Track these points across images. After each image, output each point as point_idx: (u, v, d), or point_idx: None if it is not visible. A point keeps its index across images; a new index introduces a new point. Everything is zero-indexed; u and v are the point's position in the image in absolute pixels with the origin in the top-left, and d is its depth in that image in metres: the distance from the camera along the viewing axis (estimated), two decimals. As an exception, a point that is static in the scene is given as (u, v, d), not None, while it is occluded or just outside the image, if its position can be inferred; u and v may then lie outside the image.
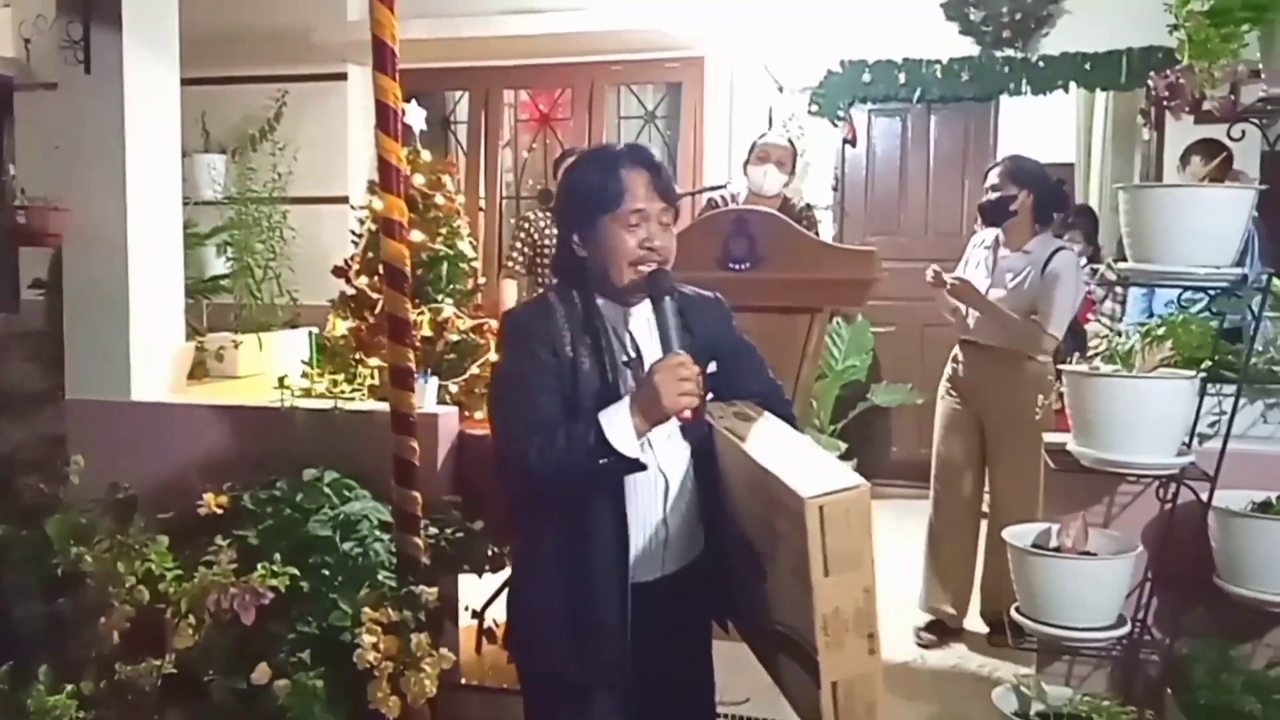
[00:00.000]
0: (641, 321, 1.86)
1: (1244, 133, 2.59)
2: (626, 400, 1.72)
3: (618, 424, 1.68)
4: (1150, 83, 4.62)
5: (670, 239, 1.83)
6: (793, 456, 1.64)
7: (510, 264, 4.76)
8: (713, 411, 1.79)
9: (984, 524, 3.89)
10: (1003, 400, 3.69)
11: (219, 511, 2.78)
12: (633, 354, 1.83)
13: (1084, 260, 4.93)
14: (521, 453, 1.73)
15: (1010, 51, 5.37)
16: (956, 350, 3.88)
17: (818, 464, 1.63)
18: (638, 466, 1.72)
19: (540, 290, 4.76)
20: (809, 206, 4.46)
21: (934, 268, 3.72)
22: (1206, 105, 3.02)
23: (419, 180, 3.67)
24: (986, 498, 3.90)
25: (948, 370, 3.92)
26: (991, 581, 3.76)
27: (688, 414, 1.69)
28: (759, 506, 1.68)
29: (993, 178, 3.73)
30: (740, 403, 1.86)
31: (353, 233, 3.85)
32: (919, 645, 3.77)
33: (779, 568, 1.65)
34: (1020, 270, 3.66)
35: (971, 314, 3.77)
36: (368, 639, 2.46)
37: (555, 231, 4.62)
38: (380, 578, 2.69)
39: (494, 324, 3.69)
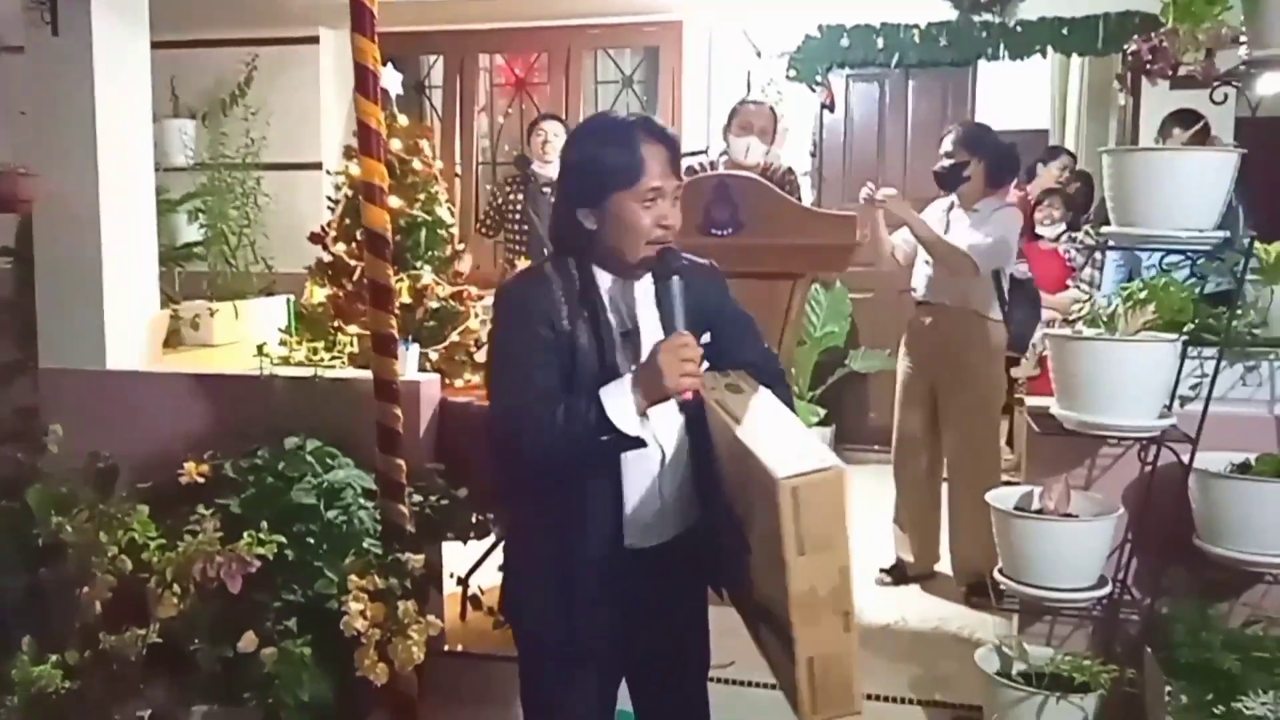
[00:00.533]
0: (639, 293, 1.84)
1: (1226, 96, 2.60)
2: (628, 378, 1.70)
3: (619, 402, 1.67)
4: (1132, 46, 4.65)
5: (679, 213, 1.80)
6: (773, 434, 1.64)
7: (478, 225, 4.86)
8: (705, 382, 1.78)
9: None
10: (954, 362, 3.77)
11: (200, 480, 2.75)
12: (630, 326, 1.81)
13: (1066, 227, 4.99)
14: (519, 428, 1.72)
15: (988, 16, 5.34)
16: (913, 314, 3.97)
17: (797, 443, 1.62)
18: (638, 443, 1.71)
19: (510, 253, 4.78)
20: (790, 170, 4.42)
21: (868, 185, 3.79)
22: (1184, 70, 3.03)
23: (396, 145, 3.61)
24: None
25: (905, 335, 4.01)
26: (961, 547, 3.84)
27: (689, 395, 1.69)
28: (741, 481, 1.69)
29: (946, 144, 3.83)
30: (733, 373, 1.84)
31: (329, 199, 3.80)
32: (877, 584, 3.94)
33: (758, 543, 1.66)
34: (969, 226, 3.75)
35: (920, 273, 3.88)
36: (354, 606, 2.45)
37: (518, 195, 4.66)
38: (365, 545, 2.68)
39: (473, 290, 3.67)
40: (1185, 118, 4.42)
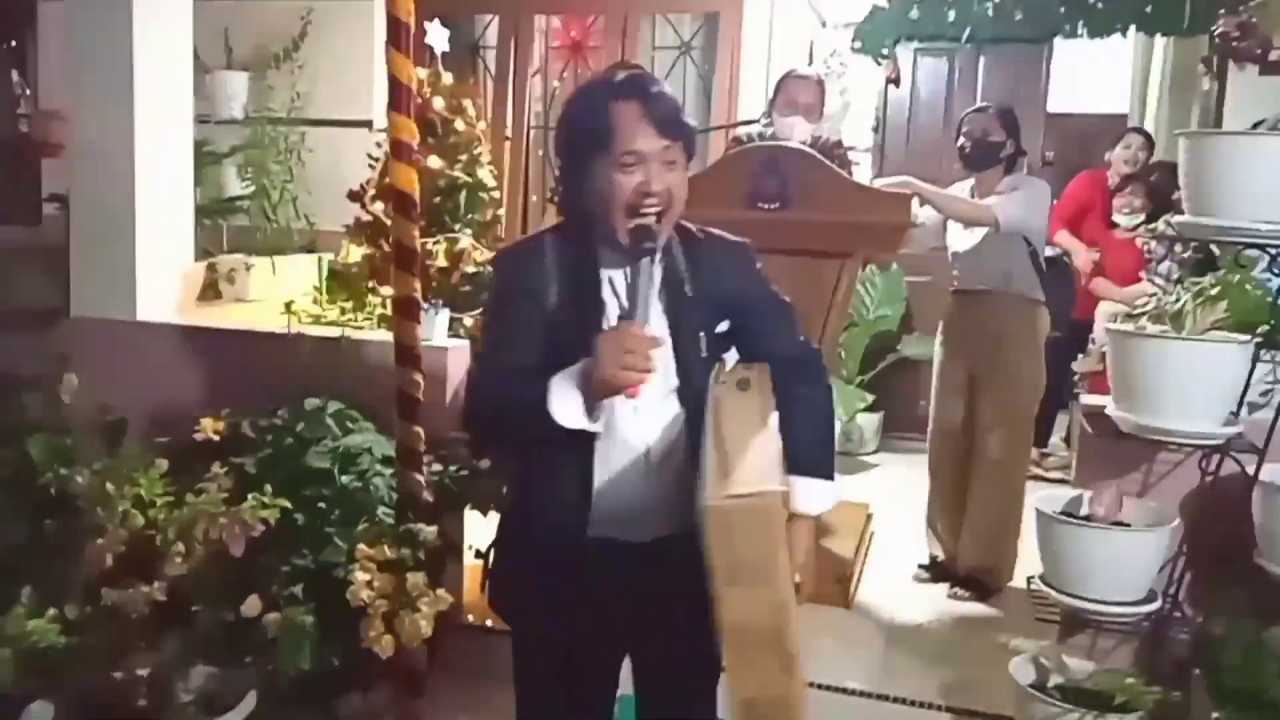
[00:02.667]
0: (646, 274, 1.67)
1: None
2: (579, 366, 1.56)
3: (563, 391, 1.55)
4: (1219, 26, 4.38)
5: (677, 180, 1.63)
6: (739, 447, 1.48)
7: (550, 193, 4.56)
8: (718, 376, 1.66)
9: None
10: (995, 348, 3.63)
11: (216, 438, 2.69)
12: (628, 309, 1.65)
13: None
14: (477, 398, 1.68)
15: (1068, -10, 5.09)
16: (951, 302, 3.85)
17: (753, 461, 1.46)
18: (583, 435, 1.58)
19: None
20: (840, 144, 4.23)
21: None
22: (1276, 55, 2.80)
23: (439, 104, 3.53)
24: None
25: (942, 323, 3.90)
26: (968, 536, 3.72)
27: (633, 391, 1.53)
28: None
29: (982, 121, 3.68)
30: (754, 369, 1.69)
31: (370, 156, 3.72)
32: (915, 580, 3.85)
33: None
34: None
35: (958, 261, 3.77)
36: (361, 576, 2.38)
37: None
38: (379, 514, 2.61)
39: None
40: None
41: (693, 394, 1.66)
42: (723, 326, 1.70)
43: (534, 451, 1.69)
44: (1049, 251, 3.88)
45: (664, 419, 1.67)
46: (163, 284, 3.37)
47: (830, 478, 1.72)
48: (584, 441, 1.62)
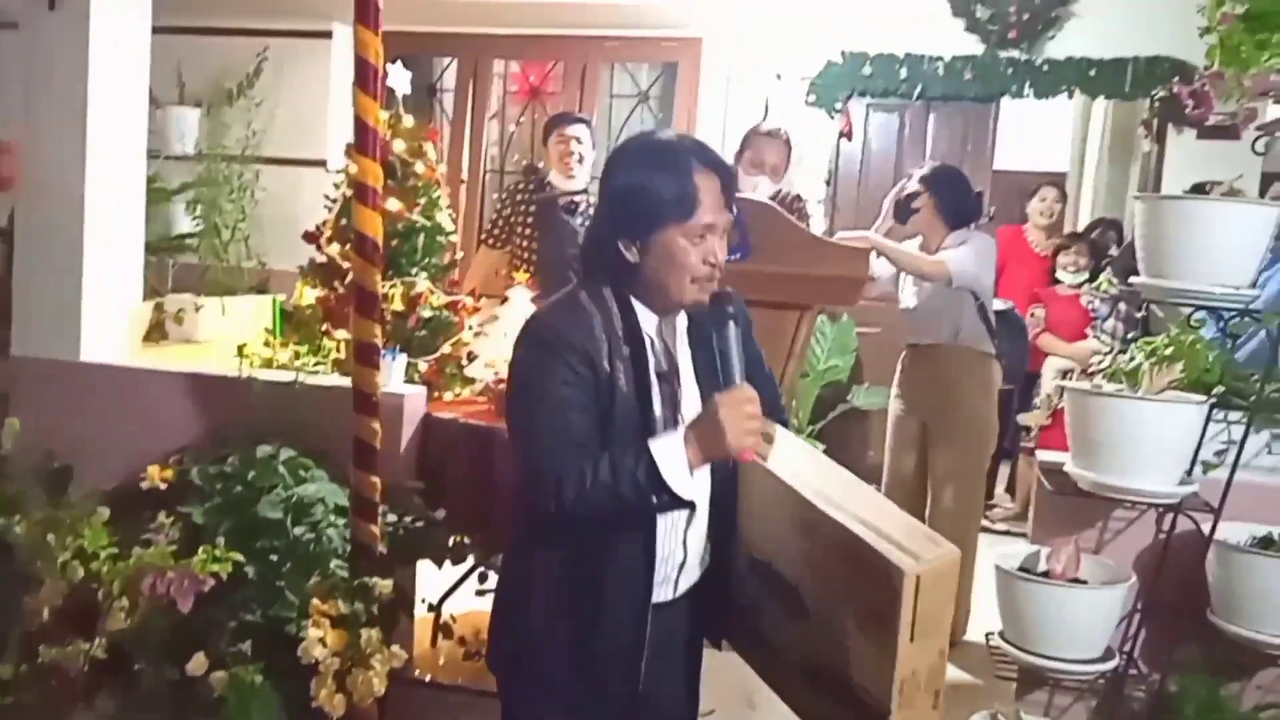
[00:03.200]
0: (675, 329, 1.70)
1: (1266, 147, 2.47)
2: (680, 432, 1.54)
3: (673, 460, 1.51)
4: (1160, 92, 4.52)
5: (725, 248, 1.64)
6: (858, 506, 1.54)
7: (484, 235, 4.48)
8: None
9: None
10: (948, 400, 3.69)
11: (162, 486, 2.60)
12: (666, 367, 1.66)
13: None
14: (559, 480, 1.55)
15: (1015, 53, 5.23)
16: (905, 355, 3.91)
17: (887, 516, 1.54)
18: (686, 505, 1.57)
19: (514, 266, 4.45)
20: (799, 198, 4.29)
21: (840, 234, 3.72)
22: (1213, 120, 2.90)
23: (399, 146, 3.49)
24: None
25: (897, 375, 3.95)
26: None
27: (751, 455, 1.54)
28: (811, 549, 1.57)
29: (911, 181, 3.83)
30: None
31: (326, 197, 3.67)
32: None
33: (837, 618, 1.56)
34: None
35: (909, 316, 3.84)
36: (314, 632, 2.31)
37: (529, 207, 4.26)
38: (332, 566, 2.54)
39: (469, 301, 3.54)
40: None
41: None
42: None
43: (610, 525, 1.62)
44: (999, 305, 3.95)
45: (702, 478, 1.65)
46: (108, 323, 3.26)
47: None
48: (656, 513, 1.62)
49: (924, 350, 3.79)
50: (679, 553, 1.70)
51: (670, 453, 1.52)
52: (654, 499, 1.53)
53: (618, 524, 1.62)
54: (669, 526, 1.67)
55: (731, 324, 1.59)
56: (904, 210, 3.77)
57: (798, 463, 1.61)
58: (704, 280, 1.61)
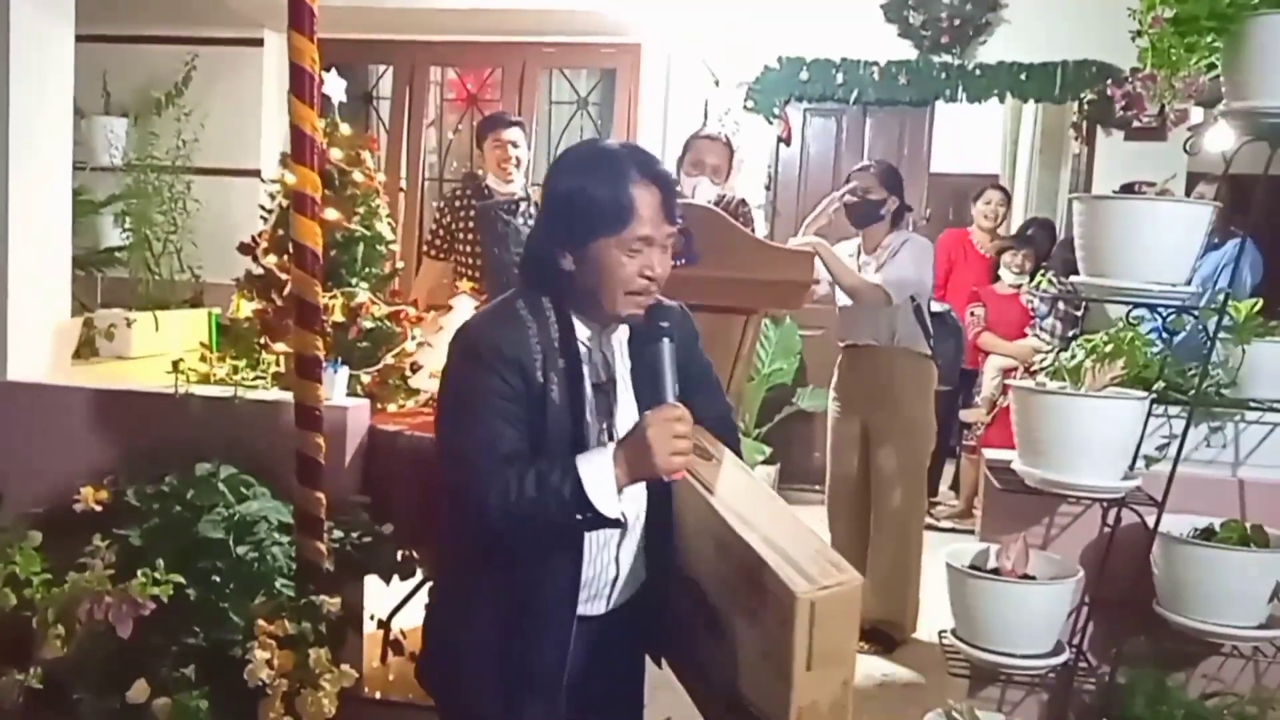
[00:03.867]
0: (615, 343, 1.67)
1: (1197, 147, 2.53)
2: (609, 451, 1.51)
3: (601, 480, 1.48)
4: (1102, 92, 4.60)
5: (668, 262, 1.60)
6: (771, 528, 1.50)
7: (426, 246, 4.41)
8: None
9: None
10: (884, 401, 3.72)
11: (97, 508, 2.52)
12: (604, 378, 1.63)
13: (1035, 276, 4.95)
14: (484, 493, 1.52)
15: (947, 58, 5.32)
16: (841, 357, 3.94)
17: (798, 539, 1.49)
18: (613, 524, 1.53)
19: (457, 275, 4.38)
20: (743, 202, 4.30)
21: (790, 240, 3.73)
22: (1140, 123, 2.96)
23: (336, 155, 3.43)
24: None
25: (834, 378, 3.97)
26: (871, 587, 3.71)
27: (679, 475, 1.51)
28: (726, 570, 1.55)
29: (864, 179, 3.80)
30: (700, 435, 1.66)
31: (262, 208, 3.59)
32: None
33: (747, 642, 1.53)
34: (877, 267, 3.70)
35: (842, 316, 3.87)
36: (260, 654, 2.24)
37: (470, 214, 4.21)
38: (278, 585, 2.47)
39: (411, 311, 3.48)
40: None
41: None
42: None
43: (536, 540, 1.60)
44: (936, 307, 3.99)
45: (635, 493, 1.61)
46: (35, 341, 3.15)
47: None
48: (583, 531, 1.59)
49: (861, 351, 3.82)
50: (611, 568, 1.68)
51: (597, 471, 1.49)
52: (579, 517, 1.49)
53: (544, 540, 1.58)
54: (601, 542, 1.65)
55: (665, 341, 1.56)
56: (871, 215, 3.76)
57: (726, 481, 1.58)
58: (639, 293, 1.58)
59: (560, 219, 1.61)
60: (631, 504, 1.62)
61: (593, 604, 1.68)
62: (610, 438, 1.60)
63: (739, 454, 1.76)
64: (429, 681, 1.77)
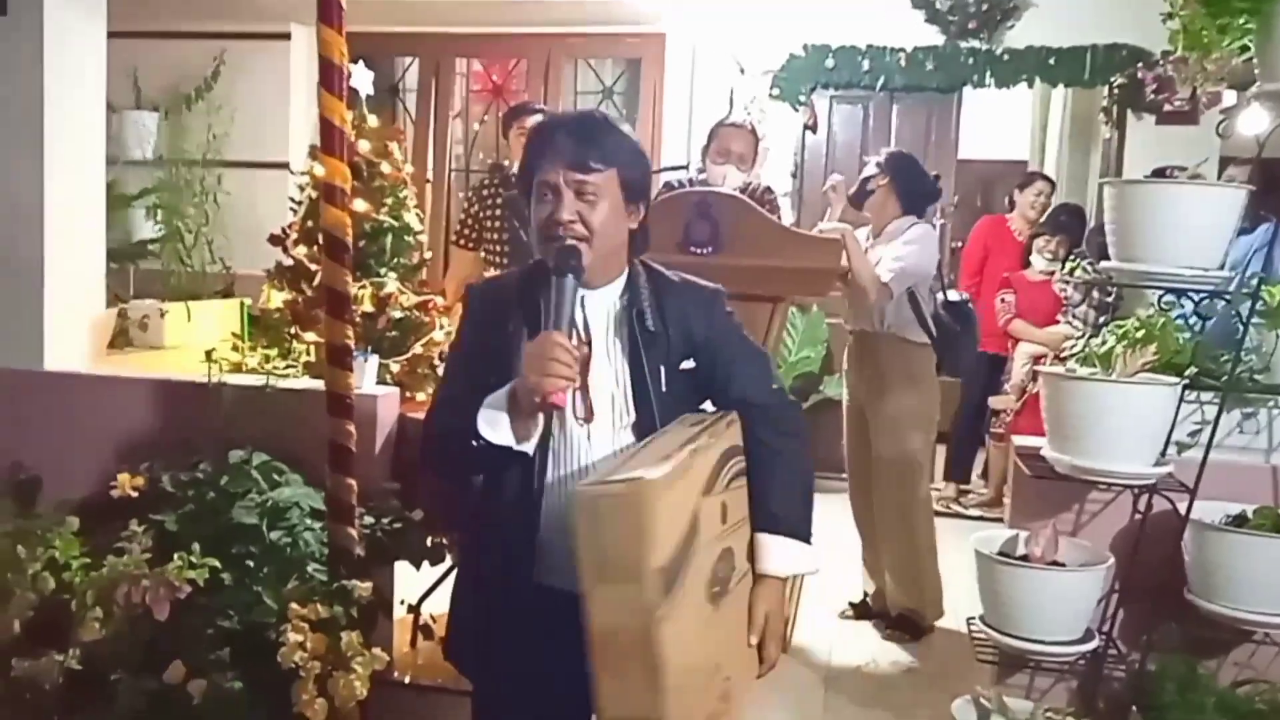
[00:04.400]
0: (599, 307, 1.71)
1: (1229, 131, 2.50)
2: (510, 384, 1.58)
3: (492, 409, 1.57)
4: (1118, 80, 4.56)
5: (593, 212, 1.64)
6: (648, 454, 1.47)
7: (455, 236, 4.44)
8: (686, 419, 1.65)
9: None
10: (878, 387, 3.70)
11: (134, 494, 2.56)
12: (585, 337, 1.66)
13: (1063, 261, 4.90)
14: (428, 424, 1.71)
15: (975, 43, 5.28)
16: (849, 342, 3.93)
17: (644, 459, 1.43)
18: (513, 454, 1.59)
19: (486, 264, 4.42)
20: (769, 190, 4.29)
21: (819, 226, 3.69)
22: (1171, 107, 2.91)
23: (364, 147, 3.46)
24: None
25: (844, 364, 3.96)
26: (890, 576, 3.75)
27: (558, 398, 1.53)
28: None
29: (869, 167, 3.82)
30: (709, 415, 1.67)
31: (292, 199, 3.63)
32: (840, 617, 3.90)
33: None
34: (884, 252, 3.67)
35: (844, 301, 3.85)
36: (293, 637, 2.27)
37: (496, 203, 4.22)
38: (310, 570, 2.50)
39: (440, 301, 3.51)
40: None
41: (650, 429, 1.64)
42: (687, 364, 1.69)
43: (484, 493, 1.69)
44: (953, 296, 3.93)
45: (615, 450, 1.64)
46: (72, 332, 3.20)
47: (805, 538, 1.67)
48: (531, 476, 1.62)
49: (859, 337, 3.81)
50: None
51: (493, 400, 1.58)
52: (476, 444, 1.56)
53: (486, 476, 1.68)
54: (559, 495, 1.63)
55: (568, 278, 1.60)
56: (861, 193, 3.78)
57: (668, 438, 1.57)
58: (552, 240, 1.64)
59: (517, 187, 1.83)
60: (603, 457, 1.64)
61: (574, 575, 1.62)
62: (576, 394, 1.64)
63: (791, 447, 1.70)
64: (450, 657, 1.83)
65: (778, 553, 1.65)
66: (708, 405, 1.79)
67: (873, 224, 3.79)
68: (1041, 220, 5.20)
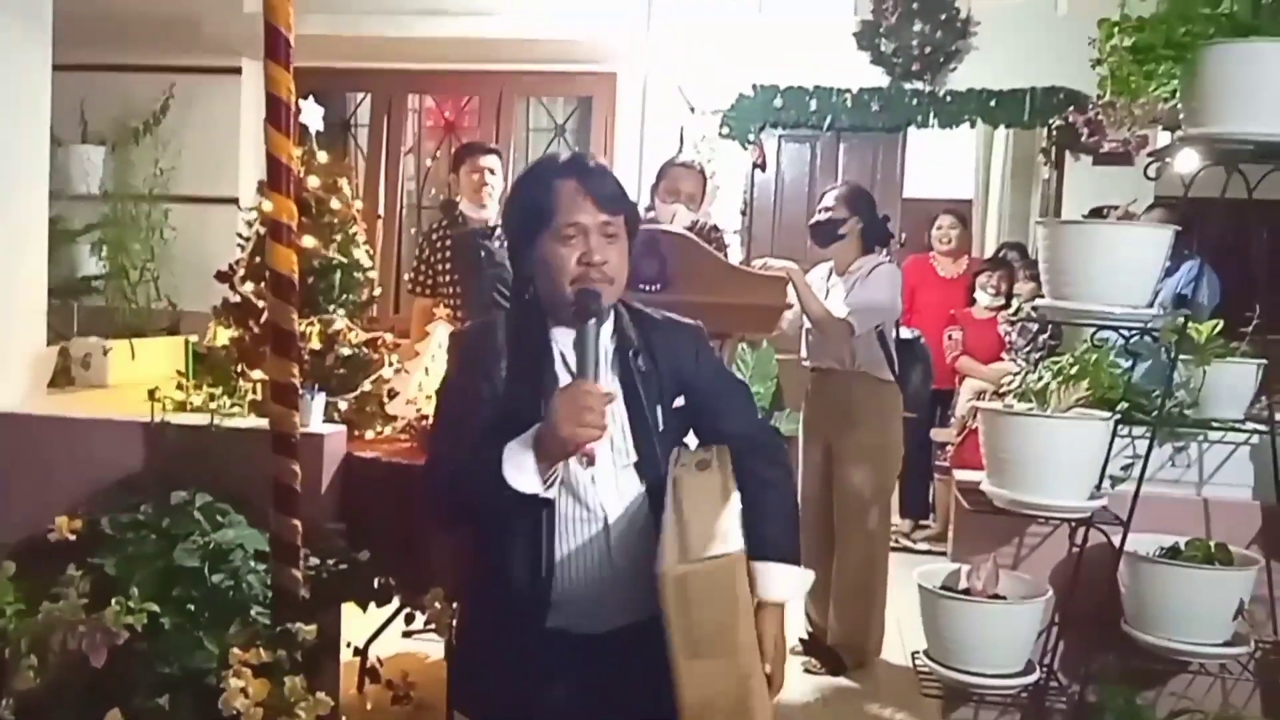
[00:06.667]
0: (600, 348, 1.68)
1: (1159, 172, 2.59)
2: (533, 431, 1.56)
3: (517, 456, 1.54)
4: (1057, 121, 4.69)
5: (617, 254, 1.66)
6: (700, 517, 1.45)
7: (410, 284, 4.40)
8: (678, 458, 1.66)
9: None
10: (844, 425, 3.73)
11: (72, 537, 2.51)
12: (577, 369, 1.65)
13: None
14: (436, 477, 1.66)
15: (919, 85, 5.41)
16: (808, 380, 3.95)
17: (714, 529, 1.43)
18: (539, 502, 1.57)
19: (440, 306, 4.39)
20: (716, 228, 4.35)
21: (763, 260, 3.72)
22: (1108, 147, 3.01)
23: (314, 183, 3.45)
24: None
25: (803, 402, 3.98)
26: (836, 610, 3.76)
27: (590, 448, 1.53)
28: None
29: (828, 200, 3.83)
30: (712, 449, 1.69)
31: (240, 235, 3.61)
32: (790, 652, 3.79)
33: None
34: (847, 290, 3.72)
35: (805, 337, 3.88)
36: (235, 683, 2.24)
37: (448, 247, 4.20)
38: (253, 614, 2.47)
39: (389, 338, 3.50)
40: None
41: (652, 468, 1.65)
42: (678, 402, 1.71)
43: (492, 534, 1.67)
44: (905, 333, 4.01)
45: (623, 492, 1.66)
46: (11, 370, 3.15)
47: (797, 562, 1.69)
48: (541, 519, 1.62)
49: (824, 374, 3.84)
50: (601, 574, 1.65)
51: (516, 447, 1.55)
52: (501, 493, 1.54)
53: (500, 524, 1.64)
54: (579, 541, 1.64)
55: (591, 321, 1.59)
56: (830, 234, 3.78)
57: (703, 490, 1.56)
58: (583, 281, 1.63)
59: (510, 229, 1.80)
60: (613, 500, 1.64)
61: (591, 618, 1.64)
62: None
63: (777, 477, 1.72)
64: (457, 704, 1.82)
65: (778, 579, 1.65)
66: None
67: (836, 262, 3.82)
68: (982, 257, 5.33)
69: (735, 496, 1.57)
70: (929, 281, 5.56)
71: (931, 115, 5.41)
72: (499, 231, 4.03)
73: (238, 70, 5.47)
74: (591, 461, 1.55)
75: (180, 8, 5.18)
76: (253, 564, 2.57)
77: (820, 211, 3.81)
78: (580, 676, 1.64)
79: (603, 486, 1.65)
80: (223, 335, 3.44)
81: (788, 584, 1.68)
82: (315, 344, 3.28)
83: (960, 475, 2.84)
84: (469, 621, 1.82)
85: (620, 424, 1.67)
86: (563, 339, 1.69)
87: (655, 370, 1.69)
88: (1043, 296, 2.51)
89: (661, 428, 1.69)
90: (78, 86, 4.75)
